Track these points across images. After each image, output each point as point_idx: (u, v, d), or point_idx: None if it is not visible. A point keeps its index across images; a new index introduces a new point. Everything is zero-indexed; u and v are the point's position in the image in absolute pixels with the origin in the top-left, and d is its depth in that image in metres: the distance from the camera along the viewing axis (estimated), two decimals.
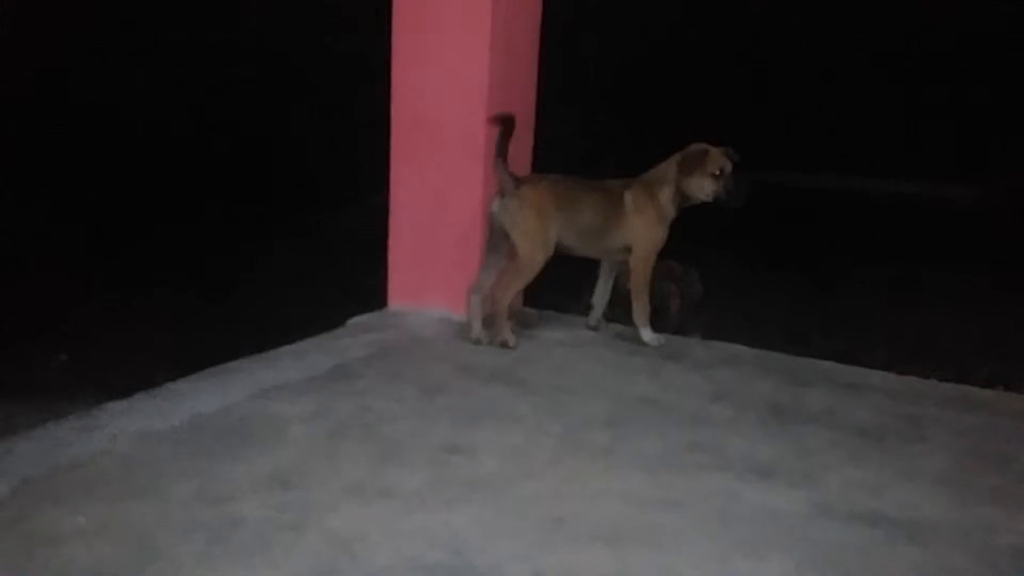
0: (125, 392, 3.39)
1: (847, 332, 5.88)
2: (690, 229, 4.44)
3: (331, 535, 2.48)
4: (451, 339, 4.20)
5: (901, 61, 13.66)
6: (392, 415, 3.32)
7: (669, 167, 4.20)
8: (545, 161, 4.65)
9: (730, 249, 7.36)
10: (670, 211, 4.21)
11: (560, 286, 5.00)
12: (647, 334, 4.27)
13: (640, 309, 4.26)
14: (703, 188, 4.14)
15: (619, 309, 4.88)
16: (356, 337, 4.16)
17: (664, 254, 4.38)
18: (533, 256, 4.00)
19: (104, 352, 3.66)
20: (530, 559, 2.41)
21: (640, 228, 4.18)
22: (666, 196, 4.18)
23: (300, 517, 2.57)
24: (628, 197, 4.16)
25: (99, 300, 4.54)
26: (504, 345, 4.01)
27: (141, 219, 7.32)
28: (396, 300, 4.57)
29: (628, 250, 4.22)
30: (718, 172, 4.12)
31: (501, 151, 3.93)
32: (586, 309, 4.51)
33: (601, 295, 4.44)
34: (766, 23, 13.92)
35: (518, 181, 3.98)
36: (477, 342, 4.12)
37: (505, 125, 3.95)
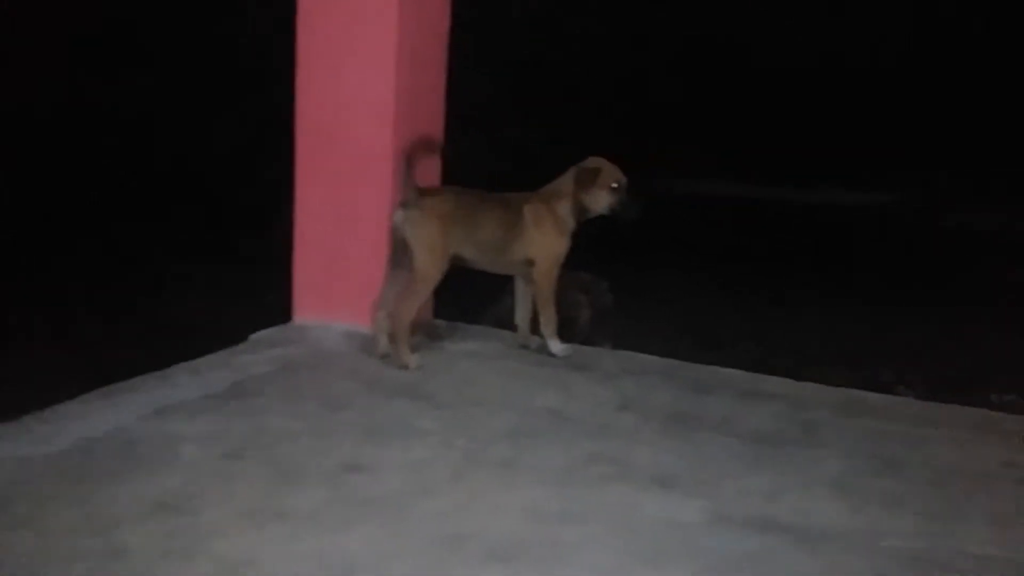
0: (11, 415, 3.24)
1: (758, 339, 5.99)
2: (599, 240, 4.47)
3: (220, 561, 2.41)
4: (357, 354, 4.13)
5: (819, 70, 14.03)
6: (291, 434, 3.24)
7: (566, 181, 4.23)
8: (455, 175, 4.62)
9: (640, 259, 7.44)
10: (569, 223, 4.22)
11: (468, 297, 4.99)
12: (555, 345, 4.27)
13: (547, 321, 4.26)
14: (600, 201, 4.19)
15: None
16: (258, 353, 4.06)
17: (573, 265, 4.40)
18: (429, 270, 3.96)
19: None
20: None
21: (540, 241, 4.18)
22: (565, 208, 4.21)
23: (188, 544, 2.48)
24: (527, 211, 4.17)
25: None
26: (404, 367, 3.95)
27: (31, 235, 7.02)
28: (301, 314, 4.48)
29: (530, 263, 4.22)
30: (615, 185, 4.18)
31: (410, 162, 3.89)
32: (513, 329, 4.46)
33: (523, 312, 4.40)
34: (690, 29, 14.14)
35: (421, 192, 3.94)
36: (384, 357, 4.07)
37: (427, 145, 4.05)
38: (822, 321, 6.88)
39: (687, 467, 3.14)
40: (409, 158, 3.90)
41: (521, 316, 4.41)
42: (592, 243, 4.48)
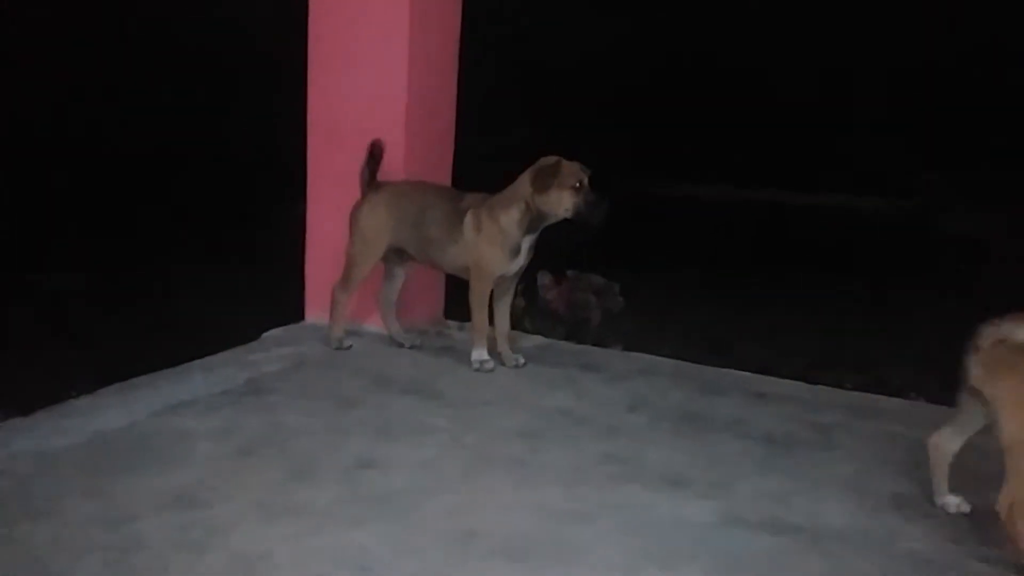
0: (26, 409, 3.27)
1: (767, 342, 5.98)
2: (608, 243, 4.47)
3: (234, 555, 2.43)
4: (368, 352, 4.15)
5: (831, 76, 14.03)
6: (304, 430, 3.26)
7: (521, 185, 3.89)
8: (464, 174, 4.64)
9: (649, 262, 7.44)
10: (513, 235, 3.90)
11: None
12: (476, 353, 4.06)
13: (472, 327, 4.10)
14: (561, 203, 3.80)
15: (535, 320, 4.91)
16: (270, 351, 4.08)
17: (584, 267, 4.41)
18: (356, 256, 4.06)
19: (6, 368, 3.52)
20: (438, 574, 2.39)
21: (475, 250, 3.93)
22: (511, 218, 3.88)
23: (202, 537, 2.50)
24: (470, 216, 3.93)
25: (1, 314, 4.37)
26: (333, 345, 4.09)
27: (46, 230, 7.06)
28: (313, 313, 4.50)
29: (466, 271, 4.04)
30: (577, 185, 3.80)
31: (371, 157, 4.05)
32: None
33: (501, 323, 4.19)
34: (700, 32, 14.16)
35: (375, 186, 4.00)
36: (400, 346, 4.12)
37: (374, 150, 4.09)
38: (829, 325, 6.87)
39: (698, 468, 3.15)
40: (371, 154, 4.02)
41: (499, 327, 4.19)
42: (602, 246, 4.48)
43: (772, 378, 4.20)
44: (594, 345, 4.76)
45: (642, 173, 11.36)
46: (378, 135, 4.14)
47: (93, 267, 4.91)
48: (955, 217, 10.98)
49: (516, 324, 4.86)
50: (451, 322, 4.70)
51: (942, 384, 4.22)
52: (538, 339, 4.66)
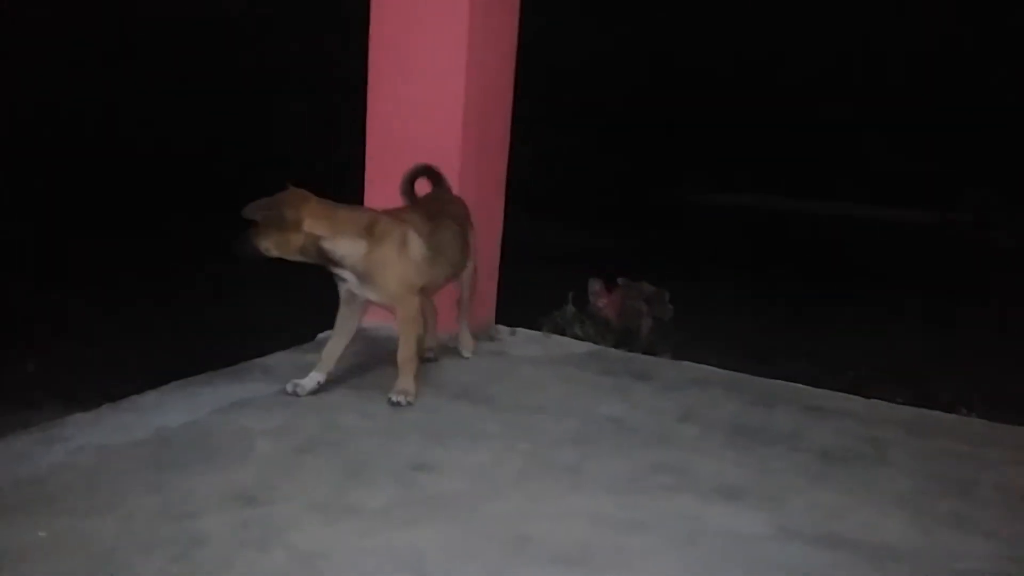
0: (90, 405, 3.36)
1: (815, 354, 5.94)
2: (662, 250, 4.47)
3: (294, 553, 2.47)
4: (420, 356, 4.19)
5: (882, 87, 13.88)
6: (360, 431, 3.31)
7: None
8: (516, 182, 4.66)
9: (701, 271, 7.43)
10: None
11: (529, 303, 5.03)
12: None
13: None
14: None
15: (588, 328, 4.93)
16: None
17: (635, 275, 4.40)
18: None
19: (70, 364, 3.62)
20: None
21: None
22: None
23: (264, 534, 2.55)
24: None
25: (67, 311, 4.49)
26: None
27: (110, 230, 7.24)
28: (367, 316, 4.54)
29: None
30: None
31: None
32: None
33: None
34: (755, 42, 14.08)
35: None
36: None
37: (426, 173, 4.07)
38: (878, 337, 6.80)
39: (752, 480, 3.13)
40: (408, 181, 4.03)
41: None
42: (653, 254, 4.48)
43: (825, 391, 4.17)
44: (644, 353, 4.76)
45: (694, 182, 11.33)
46: (436, 141, 4.19)
47: (156, 267, 5.01)
48: (1006, 230, 10.80)
49: (566, 331, 4.89)
50: (501, 327, 4.73)
51: (993, 399, 4.18)
52: (588, 346, 4.67)
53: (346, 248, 3.48)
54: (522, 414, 3.61)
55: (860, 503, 3.01)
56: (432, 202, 3.98)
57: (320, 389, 3.66)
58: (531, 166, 5.29)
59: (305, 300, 3.95)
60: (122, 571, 2.34)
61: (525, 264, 5.71)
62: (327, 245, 3.46)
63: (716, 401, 3.93)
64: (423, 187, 4.08)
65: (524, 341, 4.63)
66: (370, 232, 3.51)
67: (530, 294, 5.09)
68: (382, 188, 4.47)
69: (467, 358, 4.22)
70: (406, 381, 3.65)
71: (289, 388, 3.60)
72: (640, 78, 13.55)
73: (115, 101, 10.72)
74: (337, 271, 3.57)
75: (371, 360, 4.08)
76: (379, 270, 3.54)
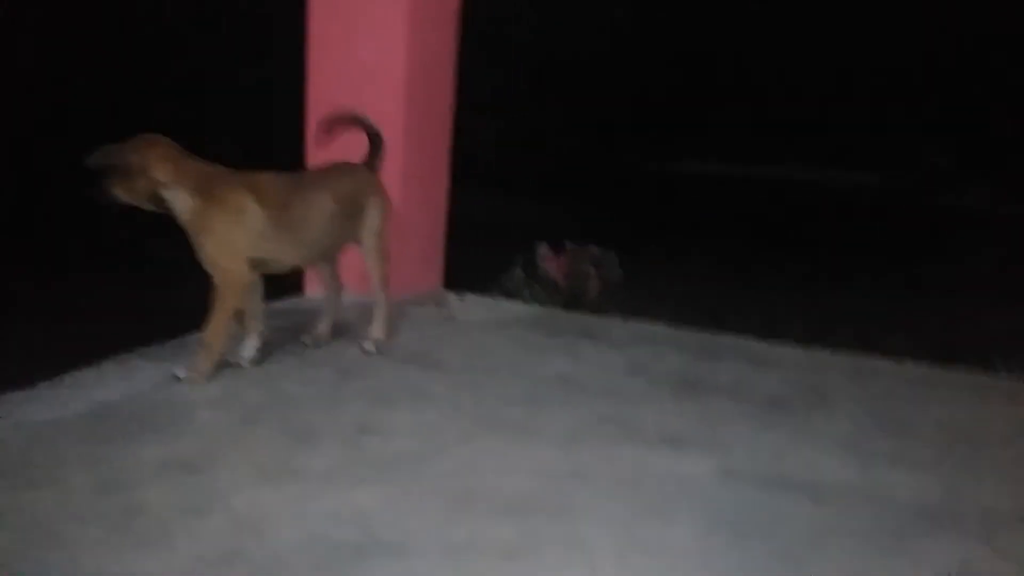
0: (26, 383, 3.28)
1: (762, 311, 5.99)
2: (610, 214, 4.48)
3: (236, 518, 2.45)
4: (366, 324, 4.16)
5: (819, 47, 13.99)
6: (304, 399, 3.29)
7: None
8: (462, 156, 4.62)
9: (649, 233, 7.46)
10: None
11: (480, 269, 5.02)
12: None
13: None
14: None
15: (536, 291, 4.93)
16: (270, 323, 4.09)
17: (582, 238, 4.41)
18: None
19: (6, 341, 3.54)
20: (438, 533, 2.41)
21: None
22: None
23: (204, 502, 2.52)
24: None
25: (2, 287, 4.37)
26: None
27: (46, 205, 7.02)
28: (313, 288, 4.51)
29: None
30: None
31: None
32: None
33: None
34: (703, 8, 14.09)
35: None
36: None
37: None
38: (823, 294, 6.90)
39: (697, 428, 3.17)
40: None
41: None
42: (600, 217, 4.49)
43: (770, 344, 4.22)
44: (593, 314, 4.77)
45: (640, 147, 11.36)
46: (378, 108, 4.12)
47: (93, 240, 4.84)
48: (955, 192, 10.99)
49: (515, 295, 4.89)
50: (450, 294, 4.71)
51: (935, 349, 4.26)
52: (537, 309, 4.67)
53: (181, 201, 3.28)
54: (470, 376, 3.61)
55: (802, 445, 3.06)
56: (315, 174, 3.73)
57: (263, 357, 3.61)
58: (480, 134, 5.26)
59: None
60: (60, 543, 2.29)
61: (473, 231, 5.69)
62: (166, 194, 3.28)
63: (663, 356, 3.95)
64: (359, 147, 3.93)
65: (472, 306, 4.61)
66: (207, 190, 3.30)
67: (479, 261, 5.08)
68: (323, 155, 4.42)
69: (368, 352, 3.80)
70: (201, 360, 3.38)
71: (231, 359, 3.56)
72: (586, 45, 13.53)
73: (46, 67, 10.45)
74: None
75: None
76: (204, 233, 3.31)
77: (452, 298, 4.68)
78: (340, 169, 3.80)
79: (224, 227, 3.32)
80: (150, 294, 3.88)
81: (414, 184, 4.50)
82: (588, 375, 3.67)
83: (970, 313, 6.02)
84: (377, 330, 3.84)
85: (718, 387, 3.58)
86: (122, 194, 3.31)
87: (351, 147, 3.77)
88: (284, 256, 3.53)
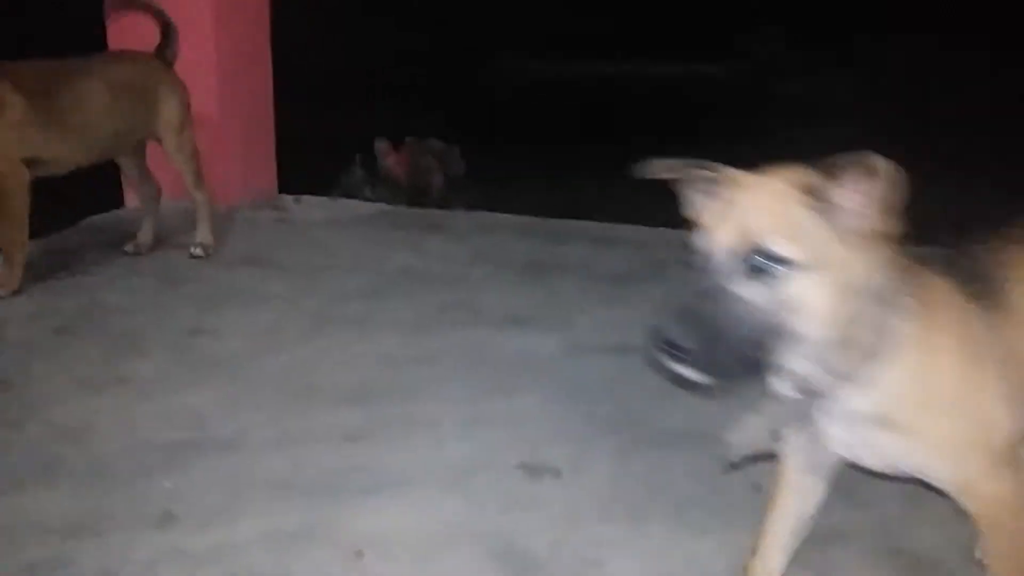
0: None
1: (605, 196, 6.02)
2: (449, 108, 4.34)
3: (54, 428, 2.28)
4: (190, 232, 3.89)
5: None
6: (127, 308, 3.08)
7: None
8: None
9: (491, 126, 7.35)
10: None
11: (317, 171, 4.83)
12: None
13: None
14: None
15: (379, 189, 4.80)
16: (89, 237, 3.81)
17: (424, 132, 4.27)
18: None
19: None
20: (276, 425, 2.32)
21: None
22: None
23: (19, 415, 2.33)
24: None
25: None
26: None
27: None
28: (132, 200, 4.19)
29: None
30: None
31: None
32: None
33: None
34: None
35: None
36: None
37: None
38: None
39: (542, 307, 3.15)
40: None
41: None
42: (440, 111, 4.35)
43: (614, 224, 4.23)
44: (437, 208, 4.68)
45: (478, 44, 11.14)
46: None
47: None
48: (789, 78, 11.24)
49: (355, 194, 4.73)
50: (286, 196, 4.50)
51: None
52: (380, 207, 4.53)
53: None
54: (307, 275, 3.47)
55: (645, 316, 3.09)
56: (83, 61, 3.36)
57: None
58: (303, 30, 4.98)
59: (67, 186, 3.57)
60: None
61: (309, 133, 5.46)
62: None
63: (508, 243, 3.91)
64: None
65: (311, 207, 4.42)
66: None
67: (317, 163, 4.88)
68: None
69: (195, 256, 3.55)
70: (5, 273, 3.11)
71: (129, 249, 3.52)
72: None
73: None
74: None
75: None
76: None
77: (288, 201, 4.47)
78: (115, 56, 3.52)
79: None
80: None
81: (232, 83, 4.22)
82: (433, 266, 3.60)
83: None
84: (203, 233, 3.60)
85: (564, 268, 3.57)
86: None
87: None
88: (60, 155, 3.18)
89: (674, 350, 1.33)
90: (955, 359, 1.41)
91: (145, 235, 3.63)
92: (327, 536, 1.86)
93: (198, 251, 3.55)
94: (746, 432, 1.47)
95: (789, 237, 1.26)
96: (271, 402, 2.45)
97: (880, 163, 1.21)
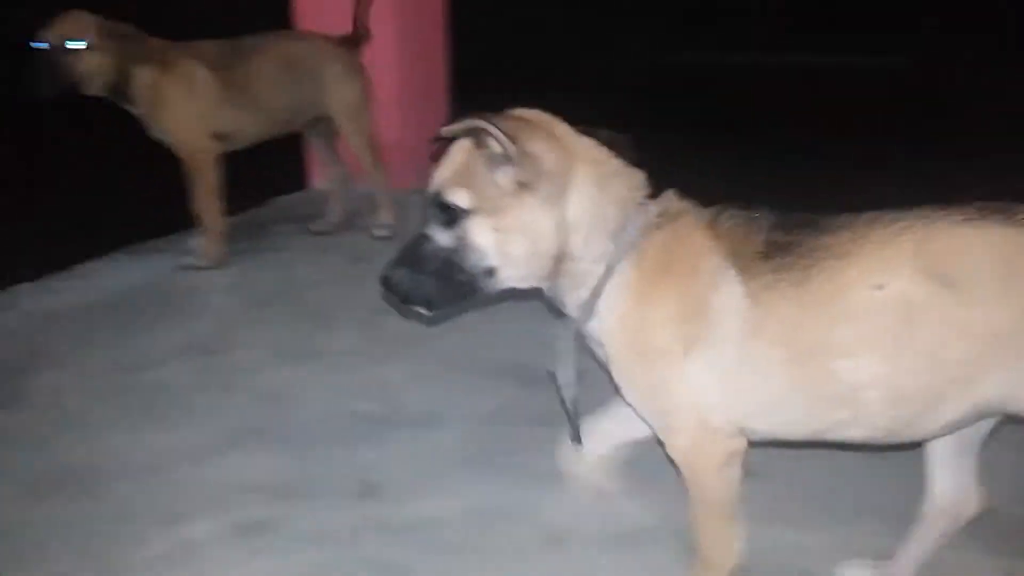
0: (34, 275, 3.23)
1: None
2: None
3: (258, 394, 2.42)
4: (373, 214, 4.03)
5: None
6: (317, 283, 3.23)
7: None
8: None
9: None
10: None
11: None
12: None
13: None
14: None
15: None
16: (279, 214, 4.02)
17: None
18: None
19: (13, 235, 3.48)
20: (467, 402, 2.37)
21: None
22: None
23: (225, 380, 2.49)
24: None
25: (11, 179, 4.27)
26: None
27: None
28: (320, 181, 4.39)
29: None
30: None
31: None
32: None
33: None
34: None
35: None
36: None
37: None
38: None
39: None
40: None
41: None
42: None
43: None
44: None
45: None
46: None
47: (103, 134, 4.62)
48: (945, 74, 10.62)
49: None
50: None
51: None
52: None
53: (142, 76, 3.14)
54: None
55: None
56: (253, 39, 3.49)
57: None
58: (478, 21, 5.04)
59: (256, 166, 3.77)
60: (76, 420, 2.27)
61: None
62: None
63: None
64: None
65: None
66: (162, 61, 3.15)
67: None
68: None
69: (379, 237, 3.65)
70: (206, 244, 3.33)
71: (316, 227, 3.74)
72: None
73: None
74: None
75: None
76: (162, 106, 3.17)
77: None
78: (286, 35, 3.66)
79: (180, 99, 3.19)
80: (157, 187, 3.74)
81: (411, 69, 4.36)
82: None
83: None
84: (385, 215, 3.71)
85: None
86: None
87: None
88: (241, 125, 3.37)
89: (390, 289, 1.59)
90: (664, 315, 1.48)
91: (332, 216, 3.79)
92: (524, 517, 1.89)
93: (382, 232, 3.67)
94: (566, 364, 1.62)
95: (462, 186, 1.46)
96: (461, 380, 2.50)
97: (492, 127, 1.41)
